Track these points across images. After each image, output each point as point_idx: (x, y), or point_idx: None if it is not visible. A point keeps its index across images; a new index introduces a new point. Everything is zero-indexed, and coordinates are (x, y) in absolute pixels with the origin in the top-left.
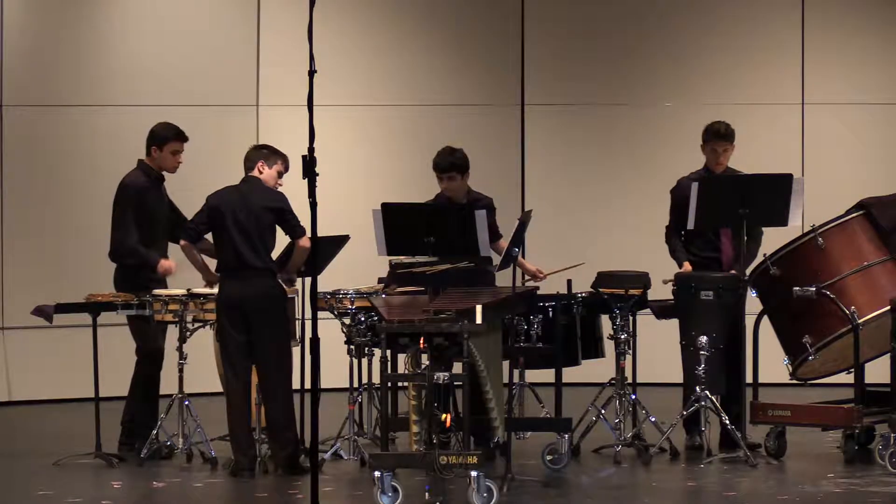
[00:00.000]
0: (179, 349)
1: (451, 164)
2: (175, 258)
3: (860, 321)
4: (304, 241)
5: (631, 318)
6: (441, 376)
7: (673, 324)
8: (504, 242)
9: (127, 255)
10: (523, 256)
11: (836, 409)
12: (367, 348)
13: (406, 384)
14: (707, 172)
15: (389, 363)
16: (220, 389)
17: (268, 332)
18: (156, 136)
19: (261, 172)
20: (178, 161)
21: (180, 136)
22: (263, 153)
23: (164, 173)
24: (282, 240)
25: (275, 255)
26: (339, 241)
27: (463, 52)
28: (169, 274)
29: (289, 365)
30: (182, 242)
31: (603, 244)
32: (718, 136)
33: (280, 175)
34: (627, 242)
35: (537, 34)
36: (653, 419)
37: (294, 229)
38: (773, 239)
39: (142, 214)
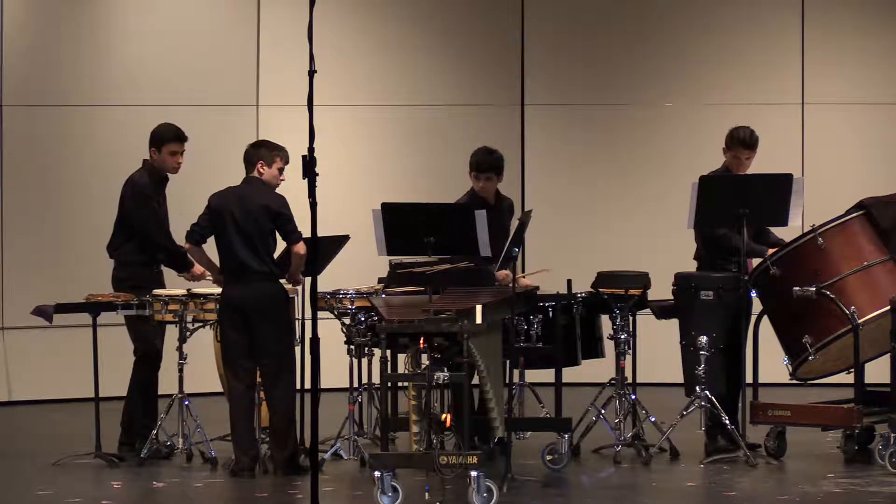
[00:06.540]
0: (179, 349)
1: (491, 164)
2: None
3: (860, 321)
4: (299, 248)
5: (631, 318)
6: (441, 376)
7: (673, 324)
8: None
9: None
10: (523, 256)
11: (836, 409)
12: (367, 348)
13: (406, 384)
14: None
15: (389, 363)
16: (221, 389)
17: (270, 333)
18: (154, 138)
19: (261, 174)
20: (178, 161)
21: (178, 137)
22: (262, 153)
23: (168, 175)
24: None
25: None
26: (339, 241)
27: (463, 52)
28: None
29: (291, 366)
30: (187, 245)
31: (603, 244)
32: (744, 144)
33: (281, 171)
34: (627, 242)
35: (537, 34)
36: (653, 419)
37: (289, 235)
38: None
39: None
